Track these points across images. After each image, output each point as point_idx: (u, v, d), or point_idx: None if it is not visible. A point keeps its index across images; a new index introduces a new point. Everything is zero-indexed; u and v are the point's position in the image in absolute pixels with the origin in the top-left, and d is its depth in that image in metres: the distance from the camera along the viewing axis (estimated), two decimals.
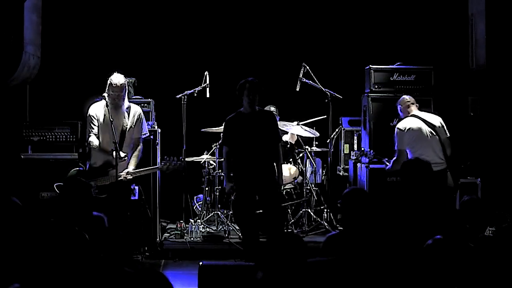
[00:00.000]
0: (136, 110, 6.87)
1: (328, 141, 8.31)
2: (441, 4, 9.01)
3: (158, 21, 9.26)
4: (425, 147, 6.82)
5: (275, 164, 6.71)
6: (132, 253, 7.29)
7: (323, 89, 7.96)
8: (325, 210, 8.31)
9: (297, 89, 8.04)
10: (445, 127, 6.97)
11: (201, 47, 9.28)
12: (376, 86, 7.93)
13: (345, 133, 8.69)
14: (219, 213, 8.07)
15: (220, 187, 8.15)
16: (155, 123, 7.86)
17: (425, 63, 8.09)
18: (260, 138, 6.61)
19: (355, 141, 8.57)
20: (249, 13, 9.30)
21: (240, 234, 7.44)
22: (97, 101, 6.82)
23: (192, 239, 7.77)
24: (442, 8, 8.98)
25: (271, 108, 8.18)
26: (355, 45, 9.17)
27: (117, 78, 6.63)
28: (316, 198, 8.32)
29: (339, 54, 9.23)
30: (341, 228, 6.78)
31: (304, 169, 8.28)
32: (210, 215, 8.21)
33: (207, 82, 7.99)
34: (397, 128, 6.93)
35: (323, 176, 8.76)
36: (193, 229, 7.83)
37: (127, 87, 6.81)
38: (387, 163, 7.10)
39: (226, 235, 7.81)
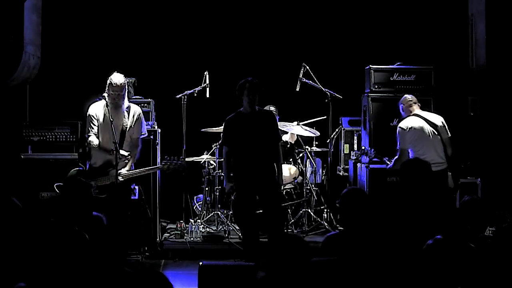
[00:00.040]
0: (135, 110, 6.87)
1: (328, 141, 8.31)
2: (441, 4, 9.01)
3: (158, 21, 9.26)
4: (427, 146, 6.83)
5: (275, 164, 6.70)
6: (130, 251, 7.37)
7: (323, 89, 7.96)
8: (325, 210, 8.31)
9: (297, 89, 8.04)
10: (446, 126, 6.98)
11: (201, 47, 9.28)
12: (376, 86, 7.94)
13: (345, 133, 8.69)
14: (219, 213, 8.07)
15: (220, 187, 8.15)
16: (155, 123, 7.86)
17: (425, 63, 8.09)
18: (260, 138, 6.61)
19: (355, 141, 8.57)
20: (249, 13, 9.30)
21: (240, 234, 7.44)
22: (97, 101, 6.82)
23: (192, 239, 7.77)
24: (442, 8, 8.98)
25: (270, 108, 8.19)
26: (355, 45, 9.17)
27: (117, 78, 6.63)
28: (316, 198, 8.32)
29: (339, 54, 9.23)
30: (341, 228, 6.78)
31: (304, 169, 8.28)
32: (210, 215, 8.21)
33: (207, 82, 7.99)
34: (399, 127, 6.94)
35: (323, 176, 8.76)
36: (193, 229, 7.83)
37: (127, 87, 6.81)
38: (388, 162, 7.11)
39: (226, 235, 7.81)
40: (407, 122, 6.93)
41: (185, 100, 7.93)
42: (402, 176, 5.26)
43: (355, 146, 8.53)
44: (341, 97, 8.03)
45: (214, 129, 8.18)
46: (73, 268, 4.00)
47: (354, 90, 8.36)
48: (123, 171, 6.68)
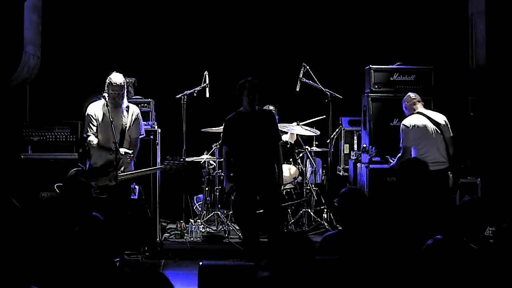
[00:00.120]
0: (134, 109, 6.86)
1: (328, 141, 8.31)
2: (441, 4, 9.01)
3: (158, 21, 9.26)
4: (430, 144, 6.83)
5: (275, 163, 6.70)
6: (130, 251, 7.37)
7: (323, 89, 7.96)
8: (325, 210, 8.31)
9: (297, 89, 8.04)
10: (449, 125, 6.99)
11: (201, 47, 9.28)
12: (376, 86, 7.94)
13: (345, 133, 8.70)
14: (219, 213, 8.07)
15: (220, 187, 8.15)
16: (155, 123, 7.85)
17: (425, 63, 8.09)
18: (260, 137, 6.61)
19: (355, 141, 8.58)
20: (249, 13, 9.30)
21: (240, 234, 7.44)
22: (96, 100, 6.81)
23: (192, 239, 7.77)
24: (442, 8, 8.98)
25: (270, 107, 8.19)
26: (355, 45, 9.17)
27: (117, 77, 6.62)
28: (316, 198, 8.32)
29: (339, 54, 9.23)
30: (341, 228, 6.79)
31: (304, 169, 8.28)
32: (210, 215, 8.21)
33: (207, 82, 7.99)
34: (403, 124, 6.94)
35: (323, 176, 8.76)
36: (193, 229, 7.83)
37: (126, 87, 6.80)
38: (391, 160, 7.10)
39: (226, 235, 7.81)
40: (411, 120, 6.94)
41: (185, 100, 7.93)
42: (400, 176, 5.27)
43: (355, 146, 8.53)
44: (341, 97, 8.03)
45: (214, 129, 8.18)
46: (74, 268, 4.01)
47: (354, 90, 8.36)
48: (122, 168, 6.67)
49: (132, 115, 6.80)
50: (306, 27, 9.37)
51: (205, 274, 4.09)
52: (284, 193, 8.04)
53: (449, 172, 6.89)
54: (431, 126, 6.90)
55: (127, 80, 7.82)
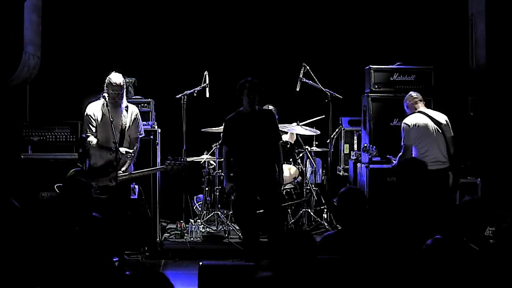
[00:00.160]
0: (133, 109, 6.85)
1: (328, 141, 8.31)
2: (441, 4, 9.02)
3: (158, 21, 9.26)
4: (431, 144, 6.83)
5: (275, 163, 6.70)
6: (130, 251, 7.37)
7: (323, 89, 7.96)
8: (325, 210, 8.32)
9: (297, 89, 8.04)
10: (450, 125, 6.99)
11: (201, 47, 9.28)
12: (376, 86, 7.94)
13: (345, 133, 8.70)
14: (219, 213, 8.07)
15: (220, 187, 8.15)
16: (155, 123, 7.85)
17: (425, 63, 8.09)
18: (261, 137, 6.61)
19: (355, 141, 8.58)
20: (249, 13, 9.30)
21: (240, 234, 7.44)
22: (95, 100, 6.79)
23: (192, 239, 7.77)
24: (442, 8, 8.99)
25: (269, 107, 8.18)
26: (355, 45, 9.18)
27: (116, 77, 6.61)
28: (316, 198, 8.32)
29: (339, 54, 9.23)
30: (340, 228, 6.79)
31: (304, 169, 8.28)
32: (210, 215, 8.21)
33: (207, 82, 7.99)
34: (404, 123, 6.94)
35: (323, 176, 8.76)
36: (193, 229, 7.83)
37: (126, 86, 6.80)
38: (394, 160, 7.11)
39: (226, 235, 7.81)
40: (412, 119, 6.94)
41: (185, 100, 7.93)
42: (398, 176, 5.27)
43: (355, 146, 8.54)
44: (341, 97, 8.03)
45: (214, 129, 8.18)
46: (74, 268, 4.01)
47: (354, 90, 8.36)
48: (123, 168, 6.66)
49: (132, 115, 6.80)
50: (306, 27, 9.37)
51: (205, 274, 4.09)
52: (284, 193, 8.04)
53: (449, 172, 6.89)
54: (432, 126, 6.90)
55: (127, 80, 7.83)
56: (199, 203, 8.54)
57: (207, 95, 8.00)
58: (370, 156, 7.49)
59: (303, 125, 8.48)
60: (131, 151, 6.65)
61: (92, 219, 4.70)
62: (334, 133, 8.45)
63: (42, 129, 7.68)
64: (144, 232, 7.57)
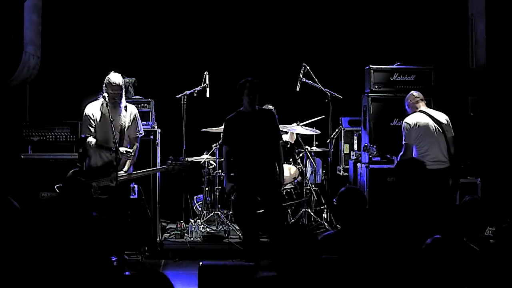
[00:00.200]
0: (132, 109, 6.84)
1: (328, 141, 8.31)
2: (441, 4, 9.02)
3: (158, 21, 9.26)
4: (432, 143, 6.84)
5: (276, 163, 6.69)
6: (130, 251, 7.37)
7: (323, 89, 7.96)
8: (325, 210, 8.32)
9: (297, 89, 8.04)
10: (451, 125, 6.99)
11: (201, 47, 9.28)
12: (376, 86, 7.94)
13: (345, 133, 8.70)
14: (219, 213, 8.07)
15: (220, 187, 8.15)
16: (155, 123, 7.85)
17: (425, 63, 8.09)
18: (261, 137, 6.60)
19: (355, 141, 8.58)
20: (249, 13, 9.30)
21: (240, 234, 7.44)
22: (94, 100, 6.78)
23: (192, 239, 7.77)
24: (442, 8, 8.99)
25: (269, 107, 8.18)
26: (355, 45, 9.18)
27: (116, 77, 6.60)
28: (316, 198, 8.33)
29: (339, 54, 9.23)
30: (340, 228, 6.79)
31: (304, 169, 8.28)
32: (210, 215, 8.21)
33: (207, 82, 7.99)
34: (405, 122, 6.95)
35: (323, 176, 8.76)
36: (193, 229, 7.83)
37: (126, 86, 6.80)
38: (396, 160, 7.10)
39: (226, 235, 7.81)
40: (413, 118, 6.95)
41: (185, 100, 7.93)
42: (397, 176, 5.28)
43: (355, 146, 8.54)
44: (341, 97, 8.03)
45: (214, 129, 8.18)
46: (75, 269, 4.00)
47: (354, 90, 8.36)
48: (125, 169, 6.66)
49: (131, 114, 6.79)
50: (306, 27, 9.37)
51: (205, 274, 4.09)
52: (284, 193, 8.04)
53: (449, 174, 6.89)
54: (433, 125, 6.90)
55: (127, 80, 7.83)
56: (199, 203, 8.54)
57: (207, 95, 8.00)
58: (370, 156, 7.49)
59: (303, 125, 8.48)
60: (131, 150, 6.65)
61: (92, 218, 4.71)
62: (334, 133, 8.45)
63: (42, 129, 7.68)
64: (144, 232, 7.57)
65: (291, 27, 9.36)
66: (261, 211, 6.84)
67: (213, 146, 8.22)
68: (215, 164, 8.25)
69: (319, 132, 8.45)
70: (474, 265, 3.56)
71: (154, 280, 2.76)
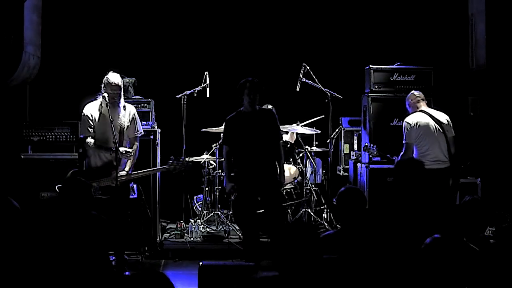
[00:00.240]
0: (131, 109, 6.83)
1: (328, 141, 8.31)
2: (441, 4, 9.02)
3: (158, 21, 9.26)
4: (432, 143, 6.84)
5: (277, 162, 6.69)
6: (130, 251, 7.37)
7: (323, 89, 7.96)
8: (325, 210, 8.32)
9: (297, 89, 8.04)
10: (451, 125, 6.99)
11: (201, 47, 9.28)
12: (376, 86, 7.94)
13: (345, 133, 8.70)
14: (219, 213, 8.07)
15: (220, 187, 8.15)
16: (155, 123, 7.85)
17: (425, 63, 8.09)
18: (262, 137, 6.60)
19: (355, 141, 8.58)
20: (249, 13, 9.30)
21: (240, 234, 7.44)
22: (92, 101, 6.77)
23: (192, 239, 7.77)
24: (442, 8, 8.99)
25: (268, 106, 8.18)
26: (355, 45, 9.18)
27: (115, 77, 6.59)
28: (316, 198, 8.33)
29: (339, 54, 9.23)
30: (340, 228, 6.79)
31: (304, 169, 8.28)
32: (210, 215, 8.21)
33: (207, 82, 7.99)
34: (406, 122, 6.95)
35: (323, 176, 8.76)
36: (193, 229, 7.83)
37: (126, 86, 6.79)
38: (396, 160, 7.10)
39: (226, 235, 7.81)
40: (413, 118, 6.95)
41: (185, 100, 7.93)
42: (396, 176, 5.28)
43: (355, 146, 8.54)
44: (341, 97, 8.02)
45: (214, 129, 8.18)
46: (75, 269, 4.00)
47: (354, 90, 8.36)
48: (127, 169, 6.65)
49: (129, 114, 6.78)
50: (306, 27, 9.37)
51: (205, 274, 4.09)
52: (284, 193, 8.04)
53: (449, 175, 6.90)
54: (433, 125, 6.91)
55: (127, 80, 7.83)
56: (199, 203, 8.54)
57: (207, 95, 8.00)
58: (370, 156, 7.49)
59: (303, 125, 8.48)
60: (130, 150, 6.64)
61: (90, 217, 4.70)
62: (334, 133, 8.45)
63: (42, 129, 7.68)
64: (144, 232, 7.57)
65: (291, 27, 9.36)
66: (261, 211, 6.84)
67: (213, 146, 8.22)
68: (215, 164, 8.25)
69: (319, 131, 8.45)
70: (474, 265, 3.56)
71: (154, 280, 2.76)
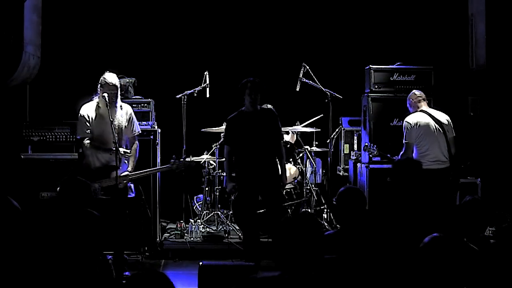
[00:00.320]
0: (127, 109, 6.80)
1: (328, 141, 8.31)
2: (441, 4, 9.02)
3: (158, 21, 9.26)
4: (432, 143, 6.85)
5: (278, 162, 6.69)
6: (130, 251, 7.37)
7: (323, 89, 7.96)
8: (325, 210, 8.31)
9: (297, 89, 8.04)
10: (452, 125, 7.00)
11: (201, 47, 9.28)
12: (376, 86, 7.94)
13: (345, 133, 8.71)
14: (219, 213, 8.07)
15: (220, 187, 8.15)
16: (155, 123, 7.85)
17: (425, 63, 8.10)
18: (263, 137, 6.60)
19: (355, 141, 8.58)
20: (249, 13, 9.30)
21: (240, 234, 7.44)
22: (90, 101, 6.74)
23: (192, 239, 7.78)
24: (442, 8, 8.99)
25: (268, 106, 8.18)
26: (355, 45, 9.18)
27: (112, 77, 6.55)
28: (316, 198, 8.33)
29: (339, 54, 9.23)
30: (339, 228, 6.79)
31: (304, 169, 8.28)
32: (210, 215, 8.21)
33: (207, 82, 7.99)
34: (406, 121, 6.96)
35: (323, 176, 8.76)
36: (193, 229, 7.84)
37: (126, 87, 6.78)
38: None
39: (226, 235, 7.81)
40: (414, 118, 6.96)
41: (185, 100, 7.93)
42: (394, 176, 5.29)
43: (355, 146, 8.54)
44: (341, 97, 8.03)
45: (214, 129, 8.18)
46: (75, 269, 4.00)
47: (354, 90, 8.36)
48: (129, 168, 6.64)
49: (127, 114, 6.76)
50: (306, 27, 9.37)
51: (205, 274, 4.09)
52: (284, 193, 8.03)
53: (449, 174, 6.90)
54: (433, 125, 6.91)
55: (127, 80, 7.83)
56: (199, 203, 8.54)
57: (207, 95, 8.00)
58: (371, 155, 7.49)
59: (304, 125, 8.48)
60: (128, 151, 6.62)
61: (90, 217, 4.70)
62: (334, 133, 8.45)
63: (42, 129, 7.67)
64: (144, 232, 7.57)
65: (291, 27, 9.36)
66: (262, 211, 6.85)
67: (213, 146, 8.23)
68: (215, 164, 8.25)
69: (319, 129, 8.46)
70: (474, 265, 3.56)
71: (154, 280, 2.76)
